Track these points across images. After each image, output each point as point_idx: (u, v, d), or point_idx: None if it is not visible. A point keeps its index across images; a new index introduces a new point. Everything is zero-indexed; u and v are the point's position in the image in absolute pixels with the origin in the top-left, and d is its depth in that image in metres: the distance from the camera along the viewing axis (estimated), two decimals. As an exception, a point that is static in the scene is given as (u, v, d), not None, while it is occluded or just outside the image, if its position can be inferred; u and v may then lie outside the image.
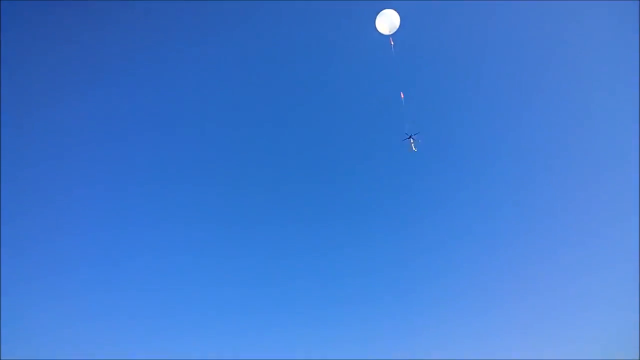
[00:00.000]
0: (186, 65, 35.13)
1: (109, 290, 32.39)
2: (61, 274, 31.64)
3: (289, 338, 32.46)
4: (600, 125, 33.90)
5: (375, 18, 17.77)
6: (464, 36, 30.04)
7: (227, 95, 34.74)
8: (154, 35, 33.83)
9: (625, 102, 32.35)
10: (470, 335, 31.99)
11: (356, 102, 31.65)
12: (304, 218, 35.90)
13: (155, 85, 34.39)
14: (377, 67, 27.91)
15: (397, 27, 17.74)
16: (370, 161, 33.57)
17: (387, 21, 17.70)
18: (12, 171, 30.71)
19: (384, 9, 17.83)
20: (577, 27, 32.82)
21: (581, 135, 34.19)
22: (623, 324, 29.00)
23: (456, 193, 35.58)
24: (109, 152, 33.83)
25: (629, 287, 29.32)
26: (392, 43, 17.83)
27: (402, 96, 18.26)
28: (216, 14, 33.01)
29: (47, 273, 31.45)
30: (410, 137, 19.25)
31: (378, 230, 35.80)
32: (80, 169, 33.31)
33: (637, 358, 27.09)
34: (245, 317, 33.31)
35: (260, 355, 31.42)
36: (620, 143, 32.78)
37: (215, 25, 33.17)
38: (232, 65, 34.15)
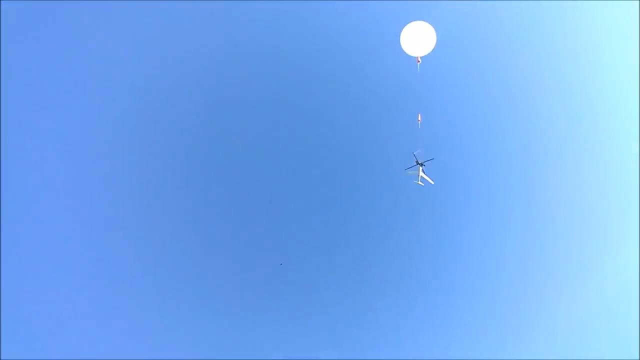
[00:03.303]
0: (186, 65, 35.13)
1: (109, 290, 32.40)
2: (61, 273, 31.67)
3: (288, 338, 32.56)
4: (600, 125, 33.90)
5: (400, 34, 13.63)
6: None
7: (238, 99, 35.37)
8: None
9: (625, 102, 32.34)
10: (470, 335, 32.10)
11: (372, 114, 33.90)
12: (305, 218, 36.04)
13: (154, 85, 34.37)
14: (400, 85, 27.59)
15: (432, 47, 13.30)
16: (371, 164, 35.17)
17: (418, 38, 13.42)
18: (12, 171, 30.72)
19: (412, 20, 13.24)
20: (578, 27, 32.82)
21: (580, 135, 34.19)
22: (623, 324, 29.03)
23: (456, 192, 35.63)
24: (108, 152, 33.76)
25: (629, 287, 29.36)
26: (419, 62, 14.26)
27: (420, 119, 15.77)
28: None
29: (47, 273, 31.47)
30: (420, 164, 15.58)
31: (378, 230, 35.92)
32: (79, 168, 33.26)
33: (637, 358, 27.12)
34: (244, 317, 33.37)
35: (260, 354, 31.51)
36: (620, 143, 32.80)
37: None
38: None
